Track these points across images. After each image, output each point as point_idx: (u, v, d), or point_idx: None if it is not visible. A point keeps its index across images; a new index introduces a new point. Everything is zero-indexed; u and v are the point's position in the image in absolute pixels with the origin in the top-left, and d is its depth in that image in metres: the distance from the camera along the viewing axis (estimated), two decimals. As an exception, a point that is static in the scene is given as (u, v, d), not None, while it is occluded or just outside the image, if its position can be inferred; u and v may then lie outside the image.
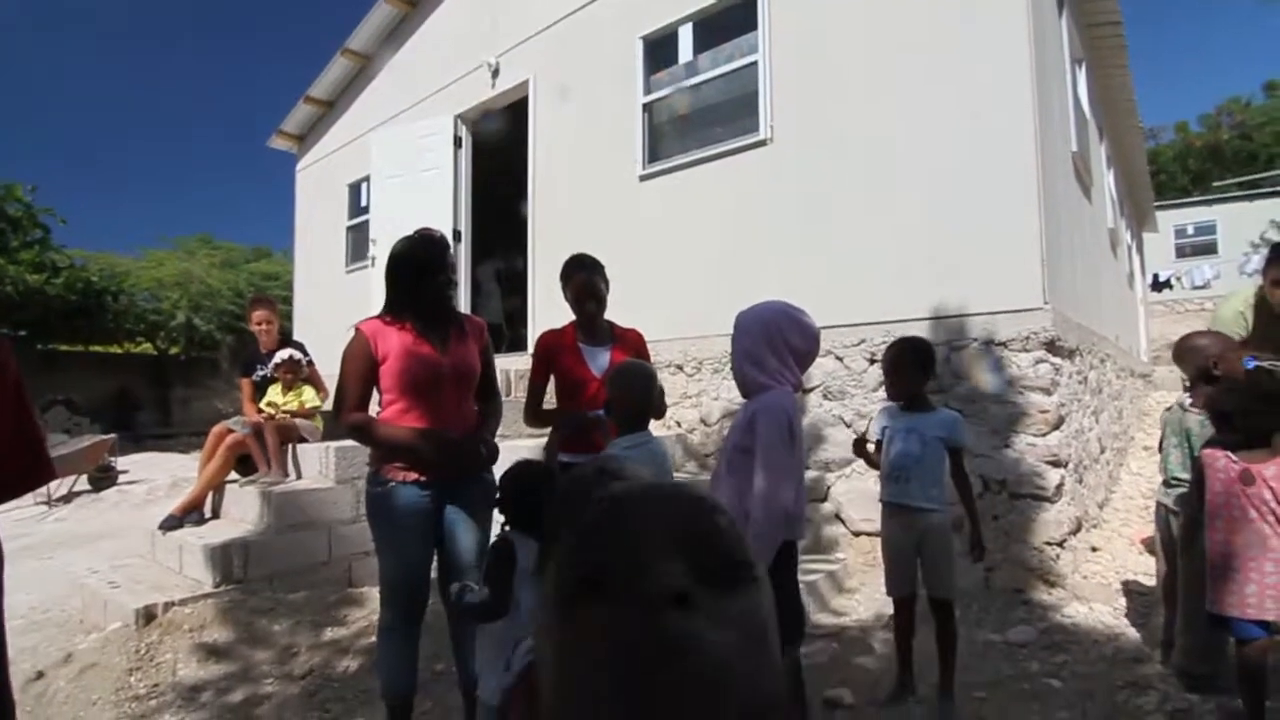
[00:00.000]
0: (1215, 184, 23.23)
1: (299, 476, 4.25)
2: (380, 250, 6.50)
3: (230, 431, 4.28)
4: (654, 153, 5.54)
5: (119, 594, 3.49)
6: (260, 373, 4.67)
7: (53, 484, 6.22)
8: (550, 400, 2.95)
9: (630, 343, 2.95)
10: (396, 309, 2.29)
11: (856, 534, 4.16)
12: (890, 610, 2.76)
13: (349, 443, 3.74)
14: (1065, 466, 3.71)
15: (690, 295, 5.08)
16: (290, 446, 4.32)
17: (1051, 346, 3.71)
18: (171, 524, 4.04)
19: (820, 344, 2.11)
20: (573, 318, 2.92)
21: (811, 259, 4.51)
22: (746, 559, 0.48)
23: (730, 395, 4.65)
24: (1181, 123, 31.57)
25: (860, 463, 3.45)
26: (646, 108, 5.56)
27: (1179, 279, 18.19)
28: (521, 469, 1.90)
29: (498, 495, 1.91)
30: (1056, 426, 3.69)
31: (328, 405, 4.36)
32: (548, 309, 5.57)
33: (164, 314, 16.79)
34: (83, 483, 6.92)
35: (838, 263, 4.40)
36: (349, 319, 2.72)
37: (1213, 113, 30.86)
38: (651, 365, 2.46)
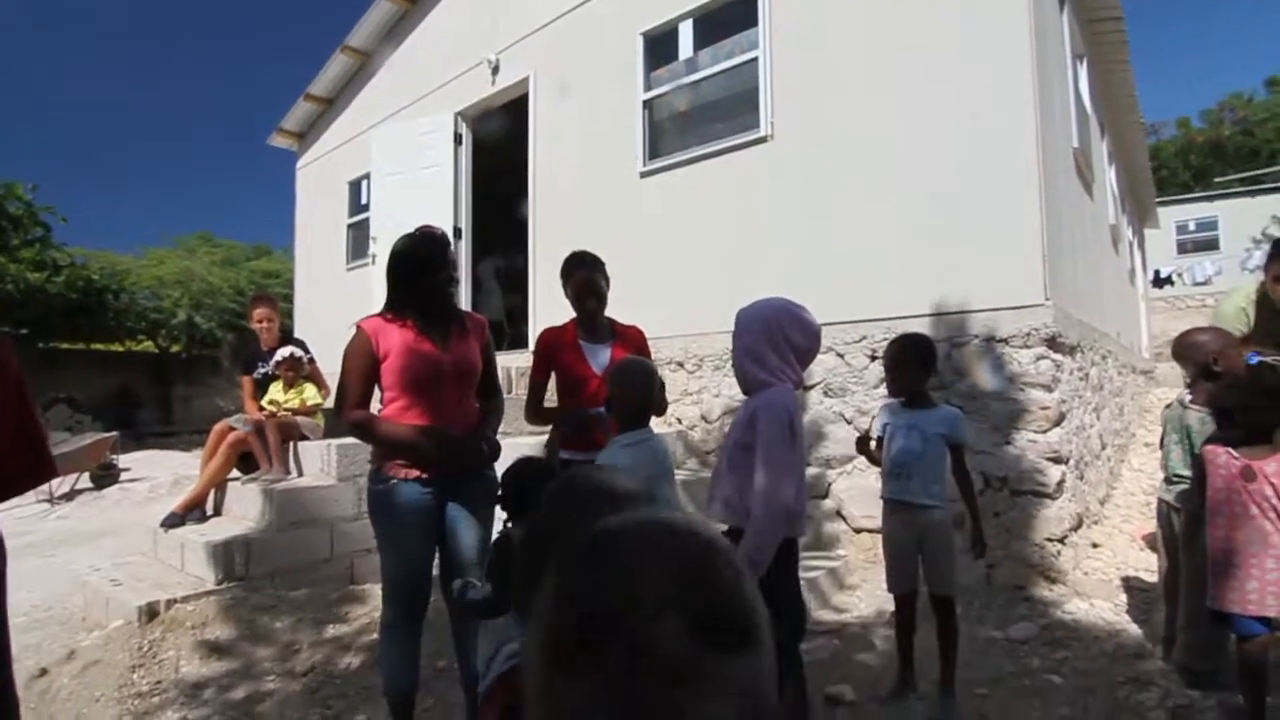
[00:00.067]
0: (1217, 180, 23.20)
1: (300, 474, 4.25)
2: (381, 248, 6.51)
3: (232, 429, 4.29)
4: (654, 149, 5.53)
5: (121, 591, 3.50)
6: (261, 370, 4.68)
7: (55, 482, 6.24)
8: (551, 398, 2.96)
9: (631, 340, 2.95)
10: (398, 306, 2.29)
11: (857, 531, 4.17)
12: (891, 607, 2.76)
13: (350, 440, 3.75)
14: (1066, 463, 3.71)
15: (691, 292, 5.08)
16: (292, 444, 4.33)
17: (1053, 343, 3.71)
18: (173, 521, 4.05)
19: (821, 341, 2.11)
20: (573, 315, 2.92)
21: (812, 255, 4.50)
22: (753, 619, 0.45)
23: (731, 392, 4.64)
24: (1183, 118, 31.57)
25: (861, 459, 3.45)
26: (647, 104, 5.55)
27: (1180, 275, 18.21)
28: (523, 466, 1.90)
29: (499, 492, 1.92)
30: (1058, 423, 3.68)
31: (329, 403, 4.37)
32: (548, 306, 5.57)
33: (165, 312, 16.85)
34: (85, 480, 6.95)
35: (838, 259, 4.40)
36: (350, 316, 2.73)
37: (1214, 108, 30.82)
38: (652, 362, 2.46)
